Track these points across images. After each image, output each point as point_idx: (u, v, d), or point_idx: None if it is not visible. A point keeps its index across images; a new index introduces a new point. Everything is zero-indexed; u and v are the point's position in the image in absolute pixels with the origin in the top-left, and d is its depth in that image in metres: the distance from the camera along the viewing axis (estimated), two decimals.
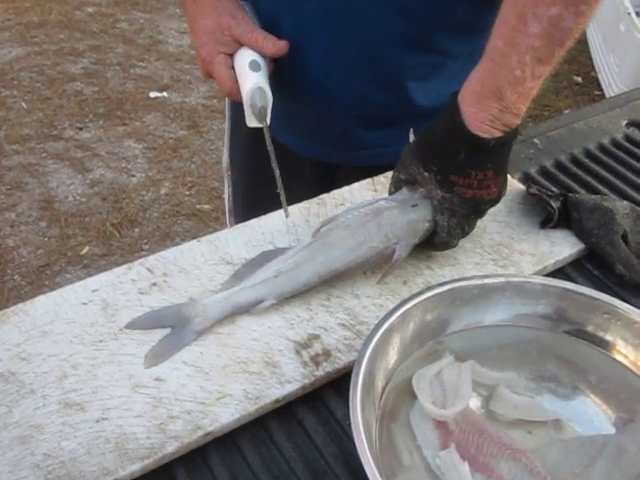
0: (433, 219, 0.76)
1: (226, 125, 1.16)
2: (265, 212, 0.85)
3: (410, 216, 0.76)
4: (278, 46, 0.86)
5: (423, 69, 0.91)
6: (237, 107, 1.04)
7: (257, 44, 0.86)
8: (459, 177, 0.73)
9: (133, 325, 0.70)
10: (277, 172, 0.81)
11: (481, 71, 0.71)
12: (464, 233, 0.78)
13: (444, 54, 0.91)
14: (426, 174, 0.74)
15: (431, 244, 0.78)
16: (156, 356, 0.67)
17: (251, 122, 0.85)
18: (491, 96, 0.70)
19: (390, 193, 0.81)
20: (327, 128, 0.97)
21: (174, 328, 0.70)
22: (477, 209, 0.76)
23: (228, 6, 0.87)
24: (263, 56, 0.86)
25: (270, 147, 0.82)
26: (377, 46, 0.87)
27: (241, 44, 0.86)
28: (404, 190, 0.78)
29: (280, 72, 0.91)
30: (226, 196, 1.19)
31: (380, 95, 0.92)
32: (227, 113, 1.15)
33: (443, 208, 0.75)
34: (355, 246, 0.74)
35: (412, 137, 0.79)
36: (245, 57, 0.85)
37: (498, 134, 0.71)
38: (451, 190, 0.74)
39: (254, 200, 1.06)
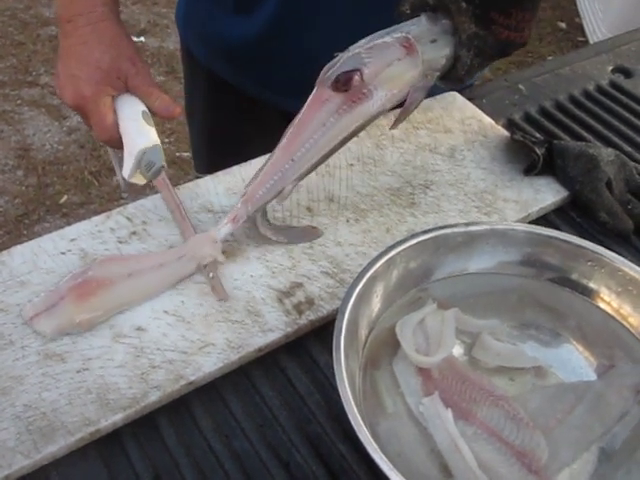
0: (452, 56, 0.71)
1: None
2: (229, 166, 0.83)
3: (428, 54, 0.70)
4: (171, 111, 0.80)
5: None
6: (192, 64, 1.02)
7: (151, 100, 0.79)
8: (500, 14, 0.69)
9: None
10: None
11: None
12: (479, 73, 0.74)
13: None
14: (464, 4, 0.68)
15: (443, 79, 0.74)
16: None
17: (134, 177, 0.77)
18: None
19: (401, 13, 0.72)
20: (311, 86, 0.95)
21: None
22: (506, 52, 0.72)
23: (129, 48, 0.80)
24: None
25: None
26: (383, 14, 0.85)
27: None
28: (423, 20, 0.70)
29: (275, 33, 0.88)
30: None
31: None
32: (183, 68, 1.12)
33: (471, 45, 0.70)
34: None
35: None
36: (136, 106, 0.78)
37: None
38: (488, 27, 0.69)
39: (218, 155, 1.04)
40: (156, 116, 0.80)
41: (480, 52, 0.71)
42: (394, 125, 0.74)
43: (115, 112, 0.78)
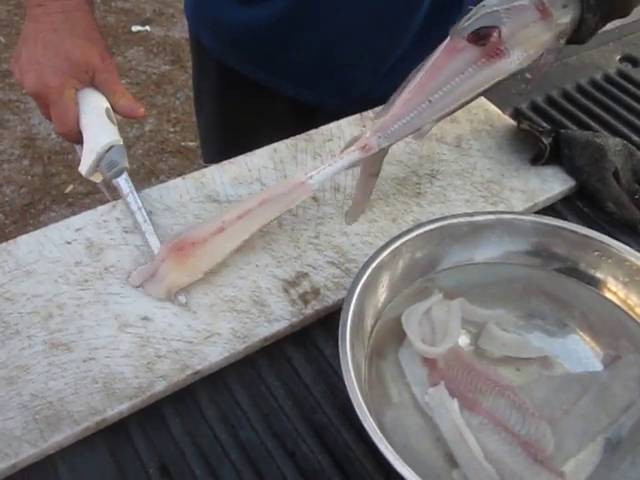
0: (579, 19, 0.74)
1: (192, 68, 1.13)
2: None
3: (560, 19, 0.73)
4: (135, 110, 0.79)
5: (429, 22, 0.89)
6: (201, 53, 1.01)
7: (115, 97, 0.78)
8: None
9: None
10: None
11: None
12: None
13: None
14: None
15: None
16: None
17: (93, 175, 0.76)
18: None
19: None
20: (325, 77, 0.95)
21: None
22: (627, 13, 0.76)
23: (100, 43, 0.79)
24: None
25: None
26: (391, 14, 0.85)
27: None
28: None
29: (287, 24, 0.88)
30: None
31: (386, 48, 0.90)
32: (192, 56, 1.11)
33: (598, 9, 0.73)
34: None
35: None
36: (100, 102, 0.77)
37: None
38: None
39: (226, 145, 1.04)
40: (118, 114, 0.79)
41: (606, 16, 0.74)
42: (529, 84, 0.79)
43: (78, 106, 0.76)
